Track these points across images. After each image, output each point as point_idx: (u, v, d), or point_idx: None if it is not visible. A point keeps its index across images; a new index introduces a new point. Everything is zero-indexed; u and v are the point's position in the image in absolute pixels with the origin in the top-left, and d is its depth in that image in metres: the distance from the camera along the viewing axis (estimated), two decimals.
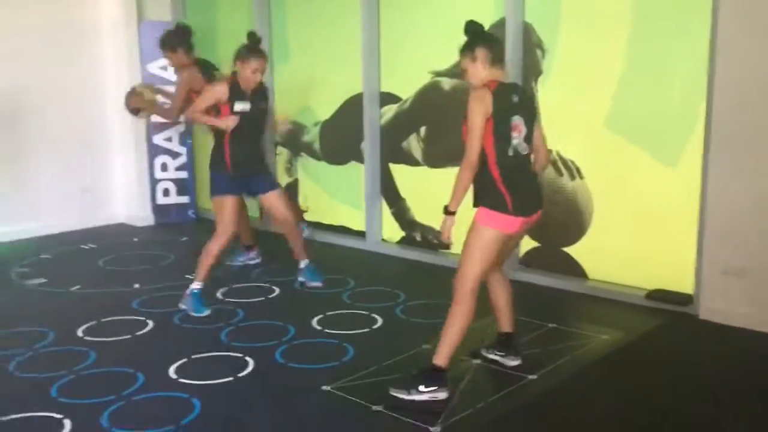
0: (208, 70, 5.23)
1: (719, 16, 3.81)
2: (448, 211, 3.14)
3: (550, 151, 3.38)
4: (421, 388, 3.08)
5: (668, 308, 4.21)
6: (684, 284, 4.23)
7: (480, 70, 3.14)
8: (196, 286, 4.35)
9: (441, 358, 3.12)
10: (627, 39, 4.31)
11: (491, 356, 3.48)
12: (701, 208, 4.06)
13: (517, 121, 3.13)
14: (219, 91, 4.30)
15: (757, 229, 3.82)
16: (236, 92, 4.32)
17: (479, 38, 3.16)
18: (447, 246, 5.41)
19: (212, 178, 4.45)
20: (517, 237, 3.34)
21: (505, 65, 3.23)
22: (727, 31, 3.79)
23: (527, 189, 3.21)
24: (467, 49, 3.17)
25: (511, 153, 3.12)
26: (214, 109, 4.35)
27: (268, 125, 4.65)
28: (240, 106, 4.32)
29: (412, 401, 3.06)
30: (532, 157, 3.29)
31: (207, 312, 4.29)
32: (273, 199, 4.61)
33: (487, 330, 3.59)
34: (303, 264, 4.82)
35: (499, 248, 3.18)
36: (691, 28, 4.03)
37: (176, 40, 5.14)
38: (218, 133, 4.42)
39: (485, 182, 3.12)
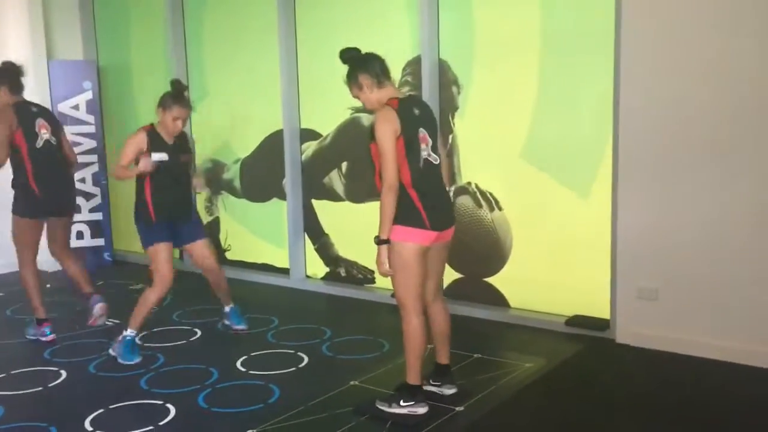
0: (26, 114, 4.70)
1: (621, 47, 4.01)
2: (381, 241, 3.14)
3: (449, 165, 3.44)
4: (401, 402, 3.23)
5: (587, 333, 4.33)
6: (601, 309, 4.37)
7: (370, 96, 3.20)
8: (129, 333, 4.19)
9: (410, 377, 3.25)
10: (537, 72, 4.48)
11: (427, 388, 3.46)
12: (613, 235, 4.23)
13: (423, 133, 3.19)
14: (139, 141, 4.19)
15: (665, 253, 4.00)
16: (155, 141, 4.22)
17: (358, 66, 3.20)
18: (373, 281, 5.43)
19: (140, 231, 4.30)
20: (437, 250, 3.31)
21: (391, 80, 3.26)
22: (629, 61, 3.99)
23: (441, 203, 3.27)
24: (351, 79, 3.22)
25: (421, 165, 3.17)
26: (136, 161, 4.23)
27: (192, 173, 4.54)
28: (157, 156, 4.20)
29: (393, 413, 3.22)
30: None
31: (137, 360, 4.12)
32: (200, 248, 4.50)
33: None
34: (228, 308, 4.70)
35: (423, 262, 3.19)
36: (597, 60, 4.23)
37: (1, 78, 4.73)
38: (139, 185, 4.28)
39: (401, 201, 3.13)
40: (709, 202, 3.83)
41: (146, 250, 4.29)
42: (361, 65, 3.19)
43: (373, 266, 5.40)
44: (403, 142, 3.10)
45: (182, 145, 4.39)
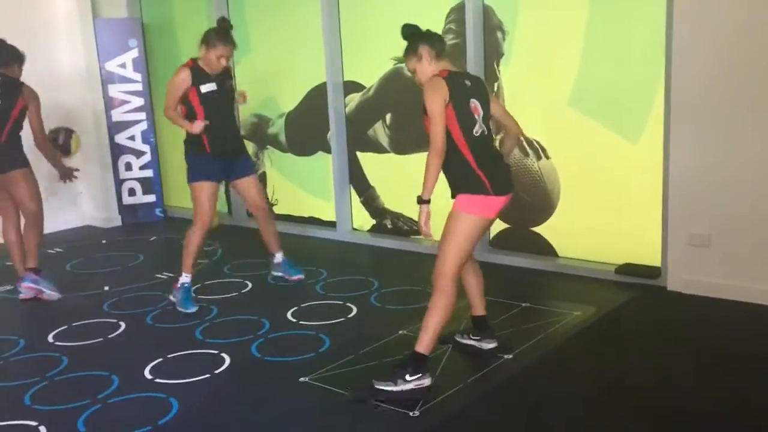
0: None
1: None
2: (422, 201, 3.11)
3: (520, 130, 3.40)
4: (407, 377, 3.03)
5: (637, 281, 4.28)
6: (652, 257, 4.30)
7: (427, 67, 3.20)
8: (184, 279, 4.31)
9: (423, 346, 3.07)
10: (585, 18, 4.34)
11: (466, 341, 3.49)
12: (664, 182, 4.13)
13: (474, 103, 3.17)
14: (181, 79, 4.21)
15: (717, 199, 3.90)
16: (200, 75, 4.23)
17: (418, 38, 3.22)
18: (419, 233, 5.43)
19: (190, 164, 4.31)
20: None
21: (448, 58, 3.27)
22: (682, 4, 3.84)
23: (499, 168, 3.24)
24: (410, 51, 3.23)
25: (477, 133, 3.15)
26: (184, 98, 4.25)
27: (236, 101, 4.58)
28: (206, 88, 4.22)
29: (399, 391, 3.00)
30: (499, 136, 3.33)
31: (194, 309, 4.24)
32: (249, 184, 4.51)
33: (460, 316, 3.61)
34: (279, 258, 4.72)
35: (481, 235, 3.19)
36: (649, 2, 4.07)
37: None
38: (189, 115, 4.28)
39: (459, 168, 3.12)
40: (763, 149, 3.70)
41: (190, 185, 4.30)
42: (422, 38, 3.21)
43: (417, 217, 5.40)
44: (453, 109, 3.08)
45: (225, 76, 4.38)
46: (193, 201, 4.34)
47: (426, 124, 3.15)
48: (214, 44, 4.19)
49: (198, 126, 4.21)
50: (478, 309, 3.47)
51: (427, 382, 3.06)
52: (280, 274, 4.76)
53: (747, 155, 3.77)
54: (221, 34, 4.22)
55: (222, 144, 4.31)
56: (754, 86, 3.70)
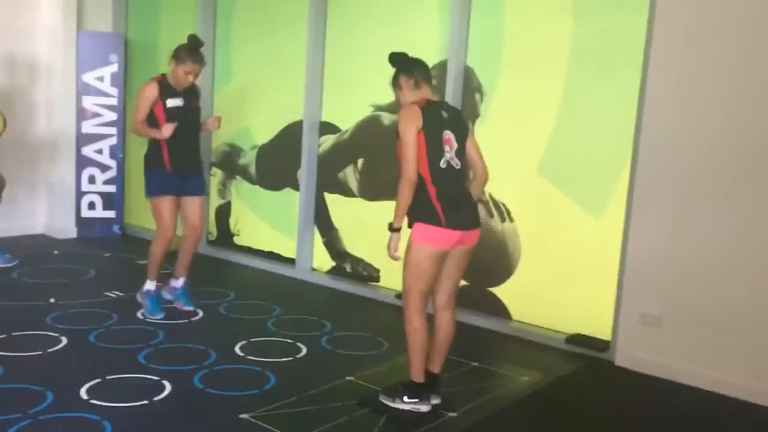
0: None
1: (649, 69, 4.00)
2: (393, 228, 3.21)
3: (487, 175, 3.48)
4: (405, 398, 3.29)
5: (586, 353, 4.32)
6: (602, 330, 4.36)
7: (407, 95, 3.34)
8: (149, 286, 4.49)
9: (414, 374, 3.30)
10: (562, 86, 4.47)
11: (434, 401, 3.41)
12: (621, 257, 4.21)
13: (448, 135, 3.25)
14: (149, 91, 4.29)
15: (672, 280, 3.98)
16: (167, 90, 4.33)
17: (401, 67, 3.37)
18: (377, 279, 5.44)
19: (148, 179, 4.39)
20: (456, 256, 3.31)
21: (431, 85, 3.39)
22: (656, 82, 3.98)
23: (461, 203, 3.28)
24: (393, 80, 3.39)
25: (443, 165, 3.21)
26: (150, 113, 4.32)
27: (200, 124, 4.64)
28: (172, 102, 4.32)
29: (396, 408, 3.28)
30: (471, 173, 3.43)
31: (161, 315, 4.41)
32: (195, 204, 4.54)
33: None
34: (180, 283, 4.64)
35: (437, 266, 3.23)
36: (625, 76, 4.21)
37: None
38: (153, 127, 4.34)
39: (418, 197, 3.19)
40: (723, 234, 3.81)
41: (150, 200, 4.38)
42: (404, 67, 3.36)
43: (378, 265, 5.43)
44: (423, 138, 3.16)
45: (192, 93, 4.46)
46: (154, 215, 4.45)
47: (398, 150, 3.22)
48: (184, 60, 4.28)
49: (167, 128, 4.24)
50: (434, 365, 3.45)
51: (424, 408, 3.29)
52: (170, 297, 4.66)
53: (707, 242, 3.87)
54: (192, 51, 4.31)
55: (181, 161, 4.39)
56: (718, 177, 3.82)
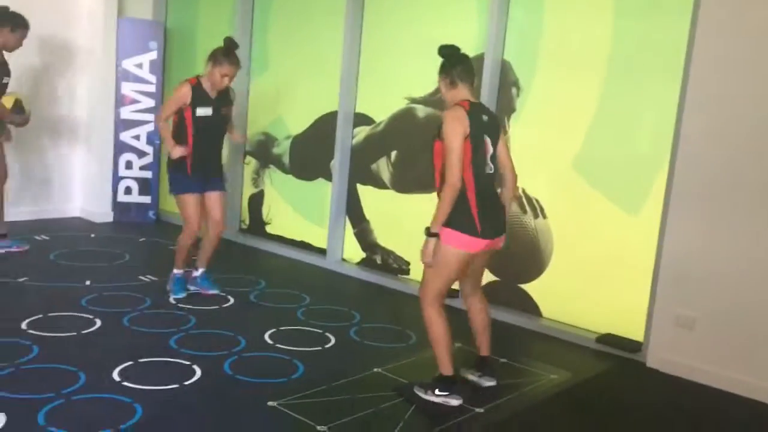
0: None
1: (691, 70, 3.92)
2: (431, 233, 3.20)
3: (516, 177, 3.50)
4: (437, 391, 3.31)
5: (617, 353, 4.27)
6: (635, 331, 4.30)
7: (446, 93, 3.34)
8: (176, 272, 4.65)
9: (442, 368, 3.32)
10: (601, 84, 4.41)
11: (469, 377, 3.59)
12: (657, 258, 4.15)
13: (487, 140, 3.25)
14: (182, 94, 4.37)
15: (708, 283, 3.91)
16: (199, 95, 4.39)
17: (450, 60, 3.33)
18: (407, 271, 5.44)
19: (171, 178, 4.52)
20: (481, 257, 3.41)
21: (472, 84, 3.36)
22: (698, 84, 3.90)
23: (494, 211, 3.30)
24: (441, 72, 3.35)
25: (485, 172, 3.23)
26: (179, 113, 4.42)
27: (230, 126, 4.72)
28: (202, 111, 4.40)
29: (426, 400, 3.30)
30: (502, 177, 3.43)
31: (183, 295, 4.58)
32: (216, 199, 4.63)
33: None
34: (199, 272, 4.77)
35: (464, 267, 3.28)
36: (665, 78, 4.14)
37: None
38: (180, 136, 4.44)
39: (457, 205, 3.16)
40: (760, 238, 3.73)
41: (176, 196, 4.53)
42: (444, 64, 3.34)
43: (409, 257, 5.42)
44: (470, 144, 3.14)
45: (224, 99, 4.54)
46: (180, 210, 4.58)
47: (436, 151, 3.19)
48: (221, 62, 4.36)
49: (178, 152, 4.36)
50: (481, 348, 3.60)
51: (454, 402, 3.29)
52: (194, 288, 4.75)
53: (743, 245, 3.79)
54: (228, 53, 4.39)
55: (202, 168, 4.49)
56: (758, 180, 3.74)
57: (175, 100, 4.39)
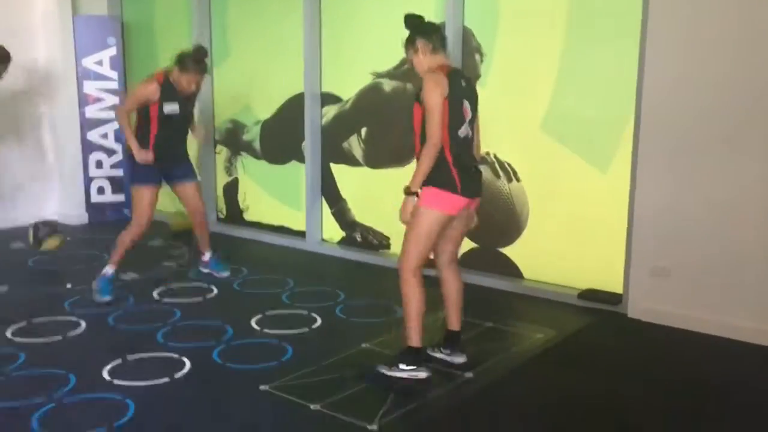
0: None
1: (648, 24, 3.96)
2: (410, 192, 3.21)
3: (480, 143, 3.53)
4: (402, 366, 3.26)
5: (599, 307, 4.35)
6: (614, 284, 4.38)
7: (422, 60, 3.31)
8: (108, 270, 4.46)
9: (411, 339, 3.29)
10: (561, 44, 4.43)
11: (437, 355, 3.53)
12: (629, 211, 4.22)
13: (466, 105, 3.27)
14: (150, 91, 4.32)
15: (680, 231, 3.99)
16: (168, 92, 4.36)
17: (417, 30, 3.32)
18: (387, 246, 5.47)
19: (132, 166, 4.46)
20: (460, 220, 3.39)
21: (446, 51, 3.37)
22: (656, 35, 3.94)
23: (471, 171, 3.34)
24: (408, 42, 3.34)
25: (462, 135, 3.24)
26: (143, 108, 4.37)
27: (193, 122, 4.74)
28: (169, 108, 4.37)
29: (394, 377, 3.25)
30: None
31: (108, 298, 4.37)
32: (189, 189, 4.65)
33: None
34: (207, 256, 4.91)
35: (442, 230, 3.28)
36: (623, 36, 4.18)
37: None
38: (143, 128, 4.41)
39: (436, 164, 3.18)
40: (728, 184, 3.81)
41: (132, 188, 4.48)
42: (421, 30, 3.32)
43: (388, 232, 5.45)
44: (447, 106, 3.16)
45: (191, 97, 4.53)
46: (133, 203, 4.51)
47: (416, 116, 3.22)
48: (188, 70, 4.35)
49: (143, 156, 4.32)
50: (452, 322, 3.54)
51: (422, 375, 3.26)
52: (207, 270, 4.93)
53: (712, 192, 3.87)
54: (197, 62, 4.36)
55: (165, 158, 4.45)
56: (720, 128, 3.80)
57: (143, 96, 4.34)
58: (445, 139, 3.18)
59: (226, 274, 4.92)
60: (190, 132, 4.72)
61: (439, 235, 3.28)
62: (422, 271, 3.31)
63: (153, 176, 4.43)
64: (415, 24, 3.33)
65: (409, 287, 3.27)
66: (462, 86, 3.26)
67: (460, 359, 3.50)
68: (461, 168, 3.23)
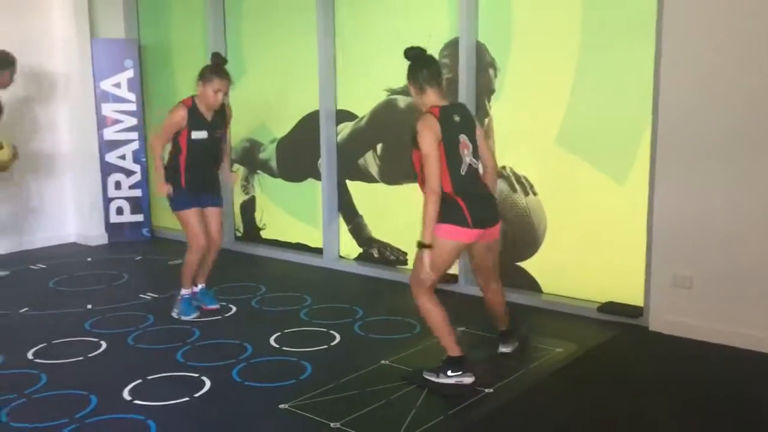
0: None
1: (663, 33, 3.95)
2: (424, 245, 3.27)
3: (496, 164, 3.63)
4: (449, 373, 3.36)
5: (620, 320, 4.31)
6: (634, 297, 4.33)
7: (416, 99, 3.40)
8: (183, 292, 4.55)
9: (449, 350, 3.38)
10: (575, 57, 4.43)
11: (502, 350, 3.76)
12: (648, 222, 4.18)
13: (463, 138, 3.32)
14: (178, 118, 4.33)
15: (701, 241, 3.95)
16: (195, 118, 4.36)
17: (415, 64, 3.38)
18: (404, 262, 5.46)
19: (169, 195, 4.45)
20: (485, 246, 3.49)
21: (442, 84, 3.41)
22: (671, 42, 3.92)
23: (484, 201, 3.38)
24: (408, 78, 3.40)
25: (463, 172, 3.29)
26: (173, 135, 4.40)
27: (225, 146, 4.70)
28: (197, 135, 4.37)
29: (441, 383, 3.34)
30: (481, 169, 3.47)
31: (195, 314, 4.51)
32: (213, 215, 4.62)
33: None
34: (200, 287, 4.73)
35: (456, 257, 3.38)
36: (637, 46, 4.16)
37: None
38: (174, 155, 4.43)
39: (447, 204, 3.26)
40: (747, 192, 3.77)
41: (177, 213, 4.49)
42: (410, 70, 3.38)
43: (404, 248, 5.45)
44: (443, 149, 3.22)
45: (221, 119, 4.49)
46: (183, 227, 4.51)
47: (414, 158, 3.28)
48: (211, 79, 4.31)
49: (163, 190, 4.39)
50: (500, 324, 3.75)
51: (467, 380, 3.36)
52: (196, 303, 4.69)
53: (730, 201, 3.83)
54: (216, 68, 4.36)
55: (197, 185, 4.47)
56: (738, 135, 3.77)
57: (173, 125, 4.35)
58: (446, 183, 3.24)
59: (214, 306, 4.69)
60: (221, 174, 4.69)
61: (453, 261, 3.37)
62: (433, 290, 3.39)
63: (190, 201, 4.43)
64: (411, 56, 3.39)
65: (424, 307, 3.38)
66: (456, 122, 3.31)
67: (507, 349, 3.75)
68: (468, 197, 3.27)
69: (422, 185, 3.31)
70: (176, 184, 4.42)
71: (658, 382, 3.50)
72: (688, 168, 3.95)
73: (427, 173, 3.19)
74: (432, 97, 3.33)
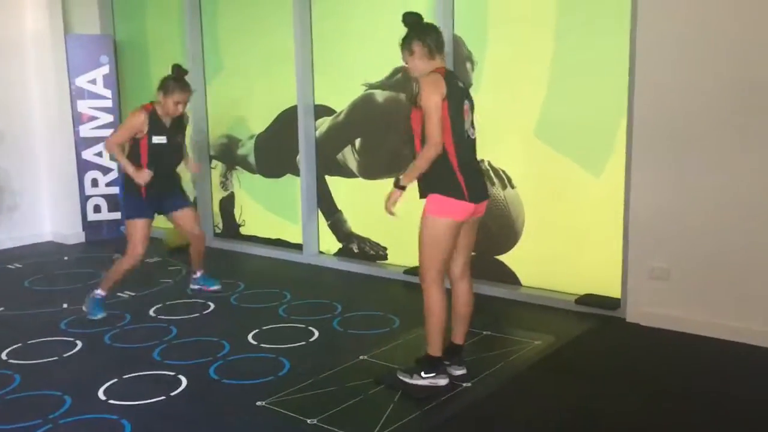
0: None
1: (637, 26, 3.96)
2: (400, 186, 3.18)
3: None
4: (423, 374, 3.27)
5: (598, 312, 4.33)
6: (612, 289, 4.36)
7: (418, 64, 3.20)
8: (98, 292, 4.50)
9: (431, 348, 3.28)
10: (552, 49, 4.43)
11: (459, 372, 3.46)
12: (625, 214, 4.20)
13: (466, 106, 3.21)
14: (137, 123, 4.34)
15: (678, 233, 3.97)
16: (155, 123, 4.38)
17: (415, 31, 3.21)
18: (385, 257, 5.45)
19: (126, 201, 4.51)
20: (469, 226, 3.34)
21: (444, 54, 3.27)
22: (646, 33, 3.93)
23: (477, 174, 3.30)
24: (405, 44, 3.22)
25: (465, 136, 3.18)
26: (132, 139, 4.39)
27: (184, 152, 4.73)
28: (157, 140, 4.39)
29: (414, 385, 3.27)
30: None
31: (102, 315, 4.43)
32: (186, 216, 4.67)
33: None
34: (199, 274, 4.93)
35: (455, 237, 3.21)
36: (613, 35, 4.17)
37: None
38: (133, 158, 4.41)
39: (439, 169, 3.12)
40: (724, 183, 3.79)
41: (126, 222, 4.49)
42: (418, 31, 3.20)
43: (385, 243, 5.44)
44: (447, 107, 3.08)
45: (178, 125, 4.55)
46: (127, 234, 4.49)
47: (414, 119, 3.14)
48: (172, 91, 4.36)
49: (143, 176, 4.35)
50: (457, 336, 3.49)
51: (442, 382, 3.28)
52: (197, 287, 4.94)
53: (706, 193, 3.85)
54: (178, 80, 4.38)
55: (157, 193, 4.47)
56: (713, 126, 3.79)
57: (130, 128, 4.36)
58: (449, 143, 3.11)
59: (216, 287, 4.92)
60: (184, 164, 4.72)
61: (453, 241, 3.20)
62: (443, 280, 3.24)
63: (145, 210, 4.44)
64: (413, 23, 3.22)
65: (430, 297, 3.22)
66: (460, 87, 3.21)
67: (459, 371, 3.45)
68: (466, 172, 3.17)
69: (420, 145, 3.14)
70: (136, 192, 4.40)
71: (636, 373, 3.52)
72: (663, 160, 3.97)
73: (429, 127, 3.03)
74: (437, 63, 3.19)
